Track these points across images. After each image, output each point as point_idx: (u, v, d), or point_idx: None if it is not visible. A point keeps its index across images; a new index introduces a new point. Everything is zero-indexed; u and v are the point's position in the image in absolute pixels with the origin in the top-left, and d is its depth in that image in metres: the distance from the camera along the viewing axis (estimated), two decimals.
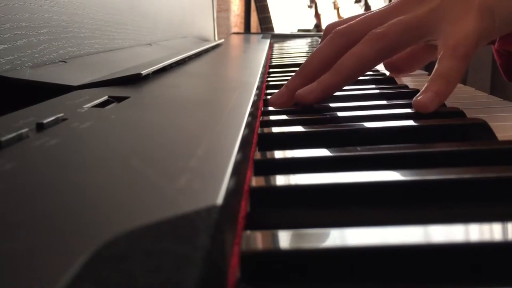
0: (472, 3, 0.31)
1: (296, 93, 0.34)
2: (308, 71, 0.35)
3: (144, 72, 0.39)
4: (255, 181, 0.19)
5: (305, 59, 0.36)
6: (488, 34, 0.32)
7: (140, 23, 0.69)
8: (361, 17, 0.36)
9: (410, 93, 0.39)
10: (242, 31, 2.50)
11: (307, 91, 0.33)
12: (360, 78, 0.49)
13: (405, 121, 0.28)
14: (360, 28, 0.34)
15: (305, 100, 0.33)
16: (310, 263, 0.14)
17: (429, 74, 0.37)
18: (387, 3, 1.53)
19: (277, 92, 0.36)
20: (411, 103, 0.35)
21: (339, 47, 0.34)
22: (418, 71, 0.50)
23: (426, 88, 0.30)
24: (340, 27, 0.35)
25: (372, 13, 0.36)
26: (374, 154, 0.22)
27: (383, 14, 0.34)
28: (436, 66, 0.31)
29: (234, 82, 0.41)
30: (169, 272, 0.10)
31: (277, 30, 2.48)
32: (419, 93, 0.30)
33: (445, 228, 0.15)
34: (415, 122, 0.28)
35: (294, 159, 0.23)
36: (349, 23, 0.35)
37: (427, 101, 0.29)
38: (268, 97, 0.40)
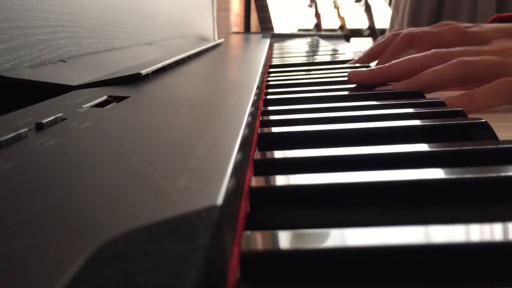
0: None
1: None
2: (392, 72, 0.41)
3: (143, 71, 0.39)
4: (255, 181, 0.19)
5: (398, 60, 0.42)
6: None
7: (139, 22, 0.69)
8: (461, 48, 0.41)
9: (410, 93, 0.39)
10: (242, 30, 2.50)
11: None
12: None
13: (406, 121, 0.28)
14: (455, 56, 0.39)
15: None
16: (310, 263, 0.14)
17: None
18: (387, 3, 1.53)
19: (359, 70, 0.43)
20: (411, 102, 0.35)
21: (426, 65, 0.40)
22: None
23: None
24: (439, 50, 0.41)
25: (472, 48, 0.40)
26: (374, 154, 0.22)
27: (483, 51, 0.39)
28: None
29: (234, 82, 0.41)
30: (168, 273, 0.10)
31: (277, 29, 2.48)
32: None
33: (446, 228, 0.15)
34: (415, 122, 0.28)
35: (294, 159, 0.23)
36: (449, 50, 0.41)
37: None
38: (268, 96, 0.40)
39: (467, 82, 0.38)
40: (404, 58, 0.42)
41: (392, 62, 0.42)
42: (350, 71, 0.43)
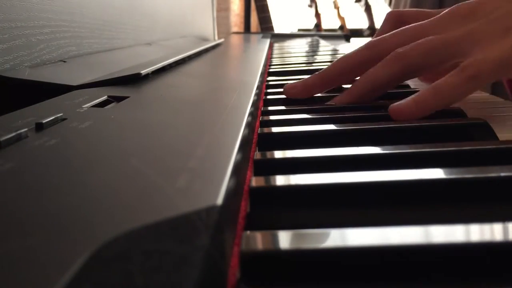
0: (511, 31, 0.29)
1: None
2: (328, 76, 0.36)
3: (143, 71, 0.39)
4: (255, 181, 0.19)
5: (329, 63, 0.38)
6: None
7: (139, 22, 0.69)
8: (398, 30, 0.35)
9: (411, 93, 0.39)
10: (242, 30, 2.50)
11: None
12: None
13: (406, 121, 0.28)
14: (390, 42, 0.34)
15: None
16: (310, 263, 0.14)
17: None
18: (387, 3, 1.53)
19: (293, 83, 0.38)
20: None
21: (363, 59, 0.35)
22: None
23: (410, 97, 0.30)
24: (373, 39, 0.36)
25: (409, 27, 0.35)
26: (374, 154, 0.22)
27: (419, 30, 0.34)
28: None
29: (234, 82, 0.41)
30: (168, 273, 0.10)
31: (277, 29, 2.48)
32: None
33: (445, 228, 0.15)
34: (415, 122, 0.28)
35: (294, 159, 0.23)
36: (383, 36, 0.36)
37: (402, 108, 0.29)
38: (268, 96, 0.40)
39: (411, 75, 0.33)
40: (338, 59, 0.37)
41: (326, 68, 0.37)
42: (285, 87, 0.38)
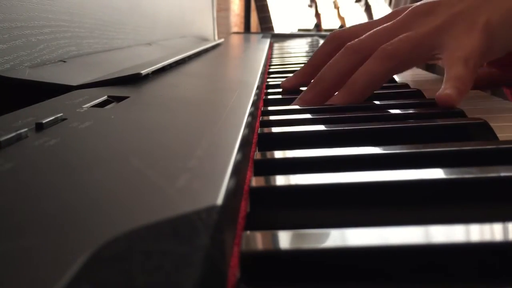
0: (476, 24, 0.32)
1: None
2: (323, 86, 0.36)
3: (143, 72, 0.39)
4: (255, 181, 0.19)
5: (320, 72, 0.37)
6: (488, 54, 0.33)
7: (139, 22, 0.69)
8: (370, 32, 0.36)
9: (410, 93, 0.39)
10: (242, 30, 2.50)
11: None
12: None
13: (406, 121, 0.28)
14: (371, 44, 0.35)
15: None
16: (310, 263, 0.14)
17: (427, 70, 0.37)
18: (387, 3, 1.53)
19: (293, 103, 0.37)
20: (411, 103, 0.35)
21: (353, 63, 0.35)
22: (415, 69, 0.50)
23: (446, 86, 0.31)
24: (351, 43, 0.36)
25: (380, 29, 0.36)
26: (374, 154, 0.22)
27: (391, 30, 0.35)
28: (449, 71, 0.31)
29: (234, 82, 0.41)
30: (168, 273, 0.10)
31: (277, 29, 2.48)
32: (440, 90, 0.31)
33: (446, 228, 0.15)
34: (415, 122, 0.28)
35: (294, 159, 0.23)
36: (359, 38, 0.36)
37: (452, 94, 0.30)
38: (269, 96, 0.40)
39: (400, 70, 0.35)
40: (324, 69, 0.37)
41: (316, 79, 0.37)
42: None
